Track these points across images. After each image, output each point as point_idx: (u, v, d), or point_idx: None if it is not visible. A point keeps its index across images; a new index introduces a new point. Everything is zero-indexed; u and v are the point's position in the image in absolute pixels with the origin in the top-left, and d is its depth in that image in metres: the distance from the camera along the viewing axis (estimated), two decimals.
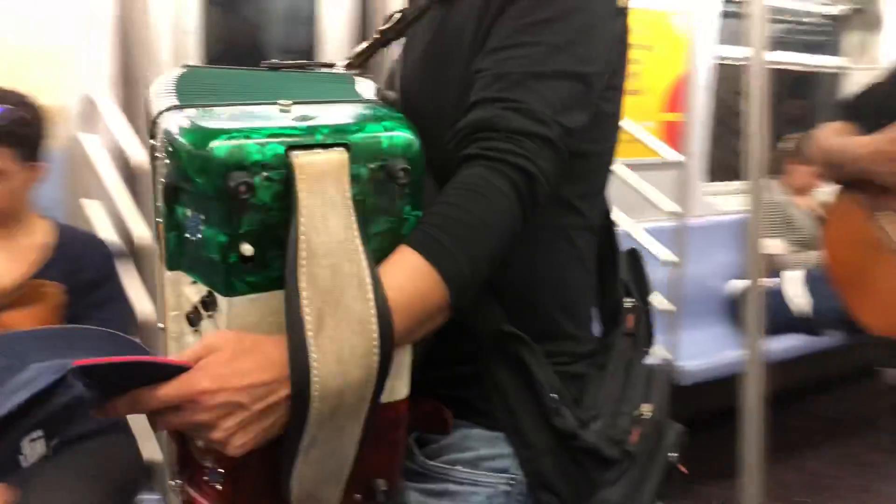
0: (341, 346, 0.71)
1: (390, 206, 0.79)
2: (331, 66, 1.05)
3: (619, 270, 1.06)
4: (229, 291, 0.74)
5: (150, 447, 2.22)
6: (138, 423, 2.22)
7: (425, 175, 0.81)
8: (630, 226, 3.17)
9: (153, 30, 2.45)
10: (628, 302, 1.06)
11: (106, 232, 2.41)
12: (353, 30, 2.80)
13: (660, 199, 3.11)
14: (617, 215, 1.09)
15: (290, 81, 0.99)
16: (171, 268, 0.79)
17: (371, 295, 0.72)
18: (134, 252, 2.31)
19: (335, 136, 0.75)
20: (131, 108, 2.47)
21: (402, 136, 0.78)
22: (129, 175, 2.39)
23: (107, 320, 1.91)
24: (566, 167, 0.87)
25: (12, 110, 1.84)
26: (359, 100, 0.89)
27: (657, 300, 3.13)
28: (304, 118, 0.77)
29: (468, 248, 0.79)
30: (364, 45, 1.04)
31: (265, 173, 0.72)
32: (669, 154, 3.20)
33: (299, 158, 0.72)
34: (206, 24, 2.49)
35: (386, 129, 0.78)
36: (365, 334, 0.72)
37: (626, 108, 0.99)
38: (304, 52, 2.85)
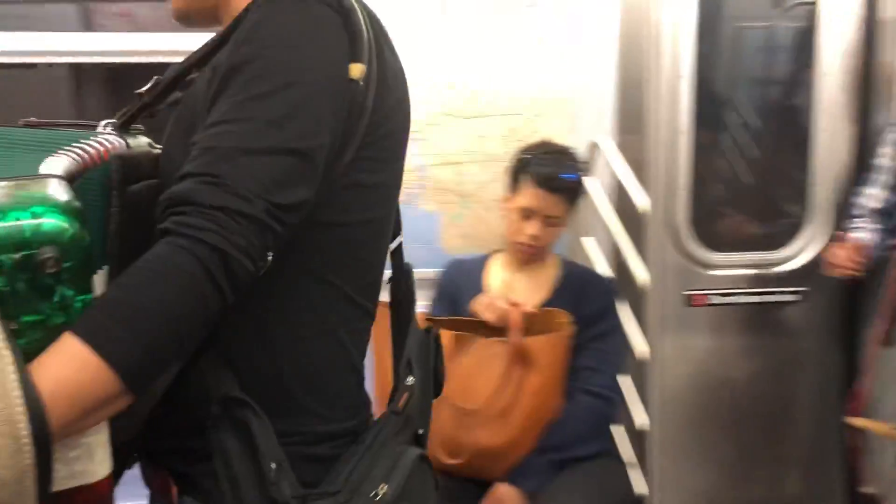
0: None
1: (45, 295, 0.77)
2: (94, 126, 1.03)
3: (405, 349, 1.09)
4: None
5: (637, 478, 2.31)
6: (627, 452, 2.35)
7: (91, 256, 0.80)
8: None
9: (652, 76, 2.61)
10: (410, 380, 1.07)
11: (602, 268, 2.58)
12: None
13: None
14: None
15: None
16: None
17: (17, 391, 0.70)
18: (633, 291, 2.44)
19: None
20: (629, 152, 2.63)
21: (51, 223, 0.76)
22: (627, 216, 2.55)
23: (604, 352, 2.05)
24: (304, 239, 0.91)
25: (580, 174, 2.13)
26: (27, 177, 0.83)
27: None
28: None
29: (139, 333, 0.77)
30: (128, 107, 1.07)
31: None
32: None
33: None
34: (699, 70, 2.61)
35: (34, 216, 0.76)
36: (11, 433, 0.69)
37: None
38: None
